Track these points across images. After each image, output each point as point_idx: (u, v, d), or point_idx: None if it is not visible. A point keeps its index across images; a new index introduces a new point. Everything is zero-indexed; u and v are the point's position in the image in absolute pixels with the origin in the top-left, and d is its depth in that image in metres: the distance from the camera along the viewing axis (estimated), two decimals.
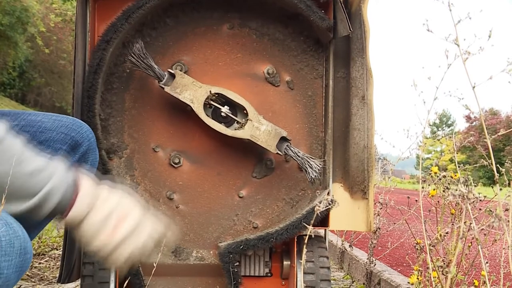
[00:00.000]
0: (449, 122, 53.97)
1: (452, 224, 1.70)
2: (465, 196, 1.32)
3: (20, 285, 2.54)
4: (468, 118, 40.01)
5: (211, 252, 1.76)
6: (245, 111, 1.68)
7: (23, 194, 1.13)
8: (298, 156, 1.69)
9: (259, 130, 1.67)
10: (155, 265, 1.55)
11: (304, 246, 1.26)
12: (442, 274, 1.57)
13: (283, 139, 1.68)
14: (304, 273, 1.72)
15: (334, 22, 1.70)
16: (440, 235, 1.65)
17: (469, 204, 1.35)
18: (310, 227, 1.22)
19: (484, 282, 1.35)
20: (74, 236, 1.76)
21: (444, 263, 1.60)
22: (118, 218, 1.15)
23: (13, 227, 1.13)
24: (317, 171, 1.69)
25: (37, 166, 1.14)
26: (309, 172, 1.69)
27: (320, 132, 1.80)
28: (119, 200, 1.17)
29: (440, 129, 52.62)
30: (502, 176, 1.56)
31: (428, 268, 1.61)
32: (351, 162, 1.74)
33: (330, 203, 1.55)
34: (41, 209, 1.14)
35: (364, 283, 3.02)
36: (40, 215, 1.15)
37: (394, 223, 3.37)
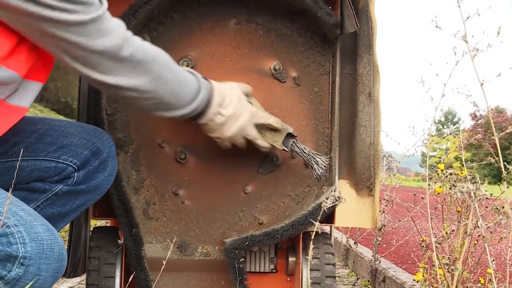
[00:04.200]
0: (455, 120, 53.85)
1: (458, 221, 1.69)
2: (473, 193, 1.32)
3: None
4: (474, 116, 39.89)
5: (217, 248, 1.76)
6: None
7: (179, 104, 1.42)
8: (304, 152, 1.69)
9: None
10: (164, 262, 1.55)
11: (311, 243, 1.26)
12: (448, 271, 1.56)
13: (289, 135, 1.68)
14: (310, 269, 1.72)
15: (341, 18, 1.70)
16: (446, 233, 1.65)
17: (476, 201, 1.34)
18: (317, 223, 1.22)
19: (490, 280, 1.35)
20: (79, 231, 1.77)
21: (450, 261, 1.59)
22: (233, 119, 1.52)
23: (54, 233, 1.17)
24: (323, 167, 1.69)
25: (186, 78, 1.43)
26: (315, 169, 1.68)
27: (327, 129, 1.79)
28: (237, 103, 1.53)
29: (445, 127, 52.52)
30: (509, 174, 1.55)
31: (433, 265, 1.61)
32: (357, 159, 1.73)
33: (337, 199, 1.55)
34: (188, 114, 1.45)
35: (369, 280, 3.02)
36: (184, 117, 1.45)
37: (399, 221, 3.36)
